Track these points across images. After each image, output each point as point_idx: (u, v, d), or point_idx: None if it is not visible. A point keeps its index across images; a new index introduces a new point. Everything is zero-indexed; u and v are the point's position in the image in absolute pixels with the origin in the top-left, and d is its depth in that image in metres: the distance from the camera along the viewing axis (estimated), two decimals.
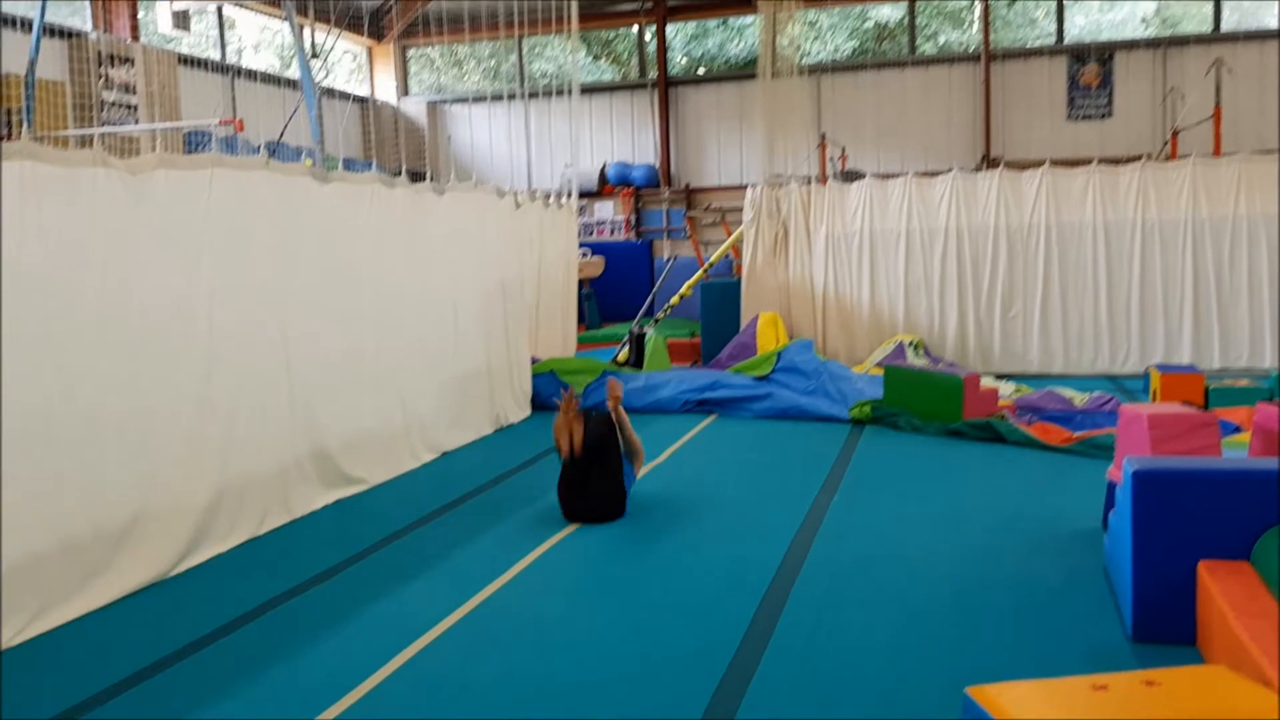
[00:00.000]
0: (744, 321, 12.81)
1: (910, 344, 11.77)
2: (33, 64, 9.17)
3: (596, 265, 17.27)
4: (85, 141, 10.99)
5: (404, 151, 19.68)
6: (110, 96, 12.97)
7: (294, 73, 14.13)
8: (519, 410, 9.88)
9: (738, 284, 13.42)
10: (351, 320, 7.24)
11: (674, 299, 13.59)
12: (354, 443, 7.19)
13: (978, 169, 16.02)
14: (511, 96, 19.51)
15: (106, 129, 11.89)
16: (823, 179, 14.07)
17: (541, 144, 19.50)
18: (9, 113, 11.30)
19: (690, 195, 19.62)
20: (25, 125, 9.56)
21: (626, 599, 5.01)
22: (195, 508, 5.68)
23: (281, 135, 12.09)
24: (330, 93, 18.60)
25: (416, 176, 8.45)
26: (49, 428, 4.81)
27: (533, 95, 19.41)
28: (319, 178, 6.94)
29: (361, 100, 20.07)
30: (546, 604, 5.00)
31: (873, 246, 12.77)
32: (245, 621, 4.83)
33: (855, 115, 18.35)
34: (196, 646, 4.54)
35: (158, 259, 5.48)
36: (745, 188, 13.73)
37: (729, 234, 15.03)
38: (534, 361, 10.48)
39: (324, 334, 6.93)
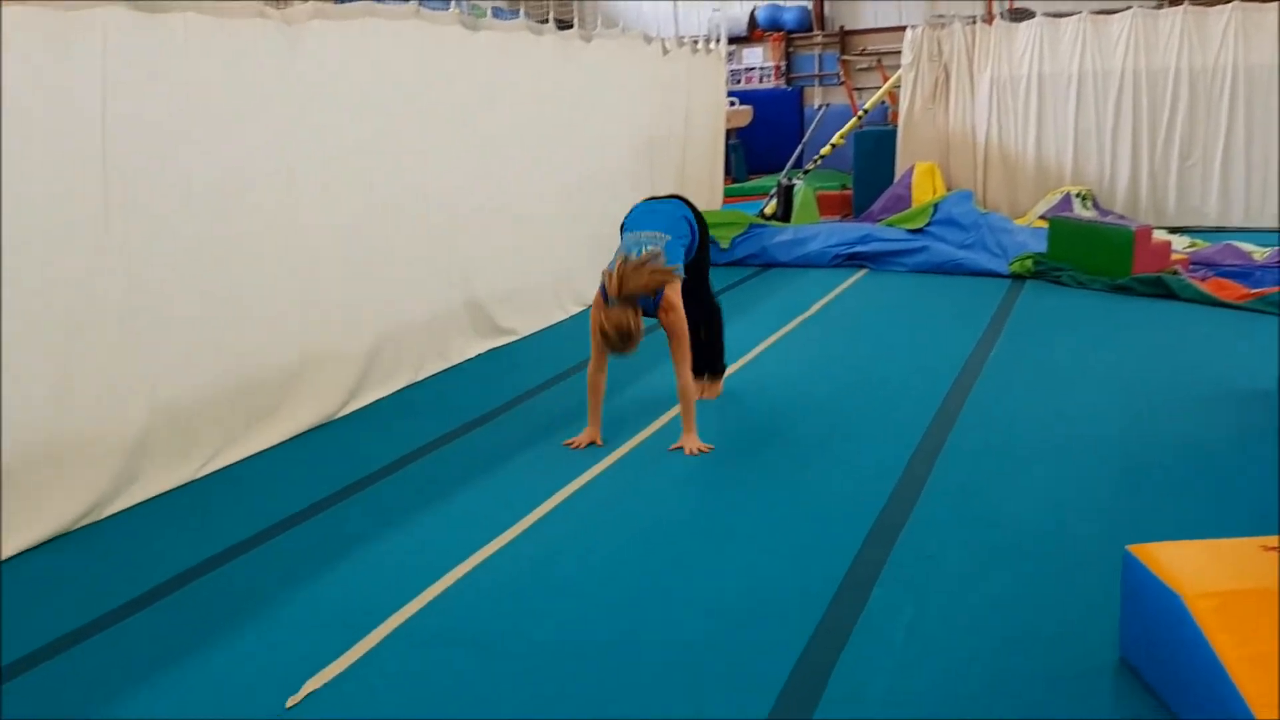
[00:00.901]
0: (899, 172, 12.37)
1: (1078, 195, 11.19)
2: None
3: (744, 115, 16.83)
4: None
5: None
6: None
7: None
8: None
9: (893, 132, 12.91)
10: (501, 171, 7.28)
11: (825, 149, 13.18)
12: (505, 294, 7.33)
13: (1159, 6, 14.81)
14: None
15: None
16: (989, 18, 13.26)
17: None
18: None
19: (845, 39, 18.82)
20: None
21: (774, 448, 5.03)
22: (359, 354, 5.92)
23: None
24: None
25: (563, 24, 8.32)
26: (220, 276, 5.03)
27: None
28: (469, 26, 6.90)
29: None
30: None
31: (1041, 91, 12.04)
32: (414, 459, 5.06)
33: None
34: (370, 480, 4.78)
35: (314, 109, 5.57)
36: (904, 29, 13.06)
37: (885, 79, 14.41)
38: None
39: (474, 184, 6.99)
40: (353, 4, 5.95)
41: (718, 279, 9.39)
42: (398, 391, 6.20)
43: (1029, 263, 8.86)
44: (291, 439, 5.37)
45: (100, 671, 3.23)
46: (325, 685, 3.09)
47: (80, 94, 4.29)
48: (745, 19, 19.03)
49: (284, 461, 5.11)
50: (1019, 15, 13.45)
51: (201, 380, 4.94)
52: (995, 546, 3.88)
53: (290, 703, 3.00)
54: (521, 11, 8.08)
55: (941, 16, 13.23)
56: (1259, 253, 8.84)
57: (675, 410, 5.56)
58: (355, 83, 5.88)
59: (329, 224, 5.71)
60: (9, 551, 4.02)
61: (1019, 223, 10.56)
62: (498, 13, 16.16)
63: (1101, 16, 11.85)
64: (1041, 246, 9.09)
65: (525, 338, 7.45)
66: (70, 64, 4.24)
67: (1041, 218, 10.59)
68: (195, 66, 4.83)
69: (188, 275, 4.84)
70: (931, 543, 3.93)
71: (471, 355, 6.91)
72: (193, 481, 4.82)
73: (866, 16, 18.79)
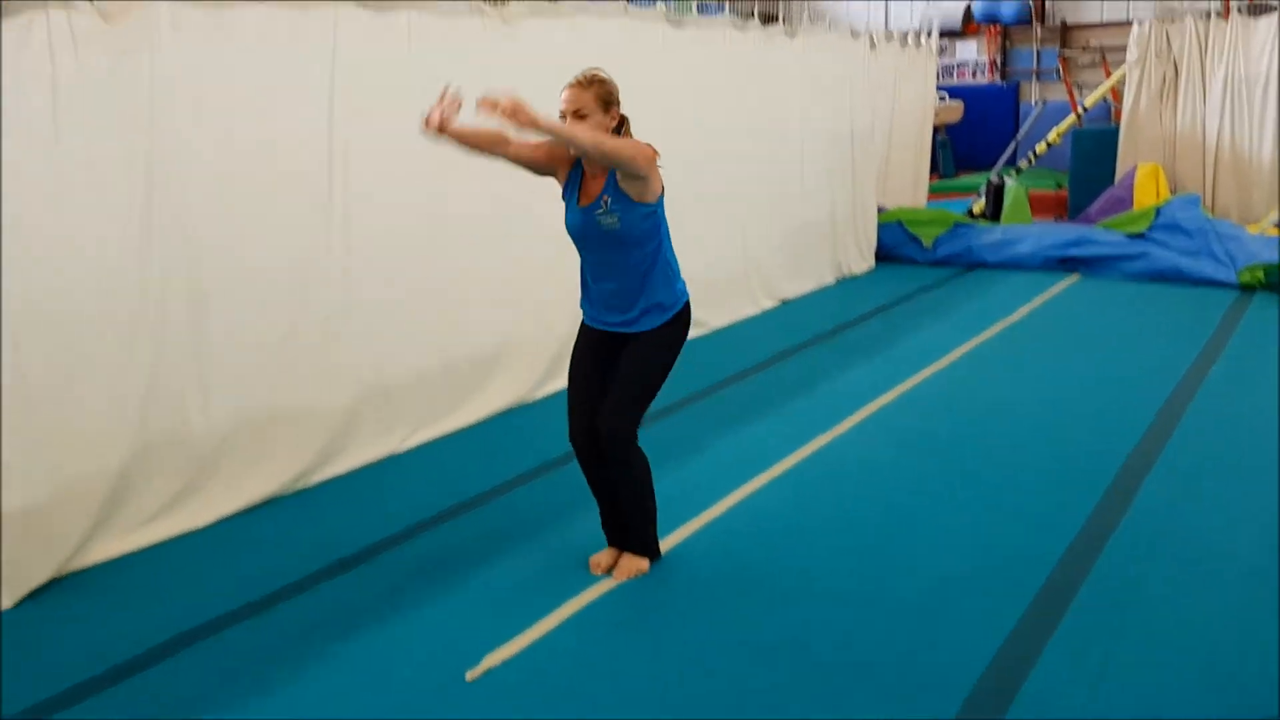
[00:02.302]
0: (1120, 173, 11.74)
1: None
2: None
3: (954, 110, 16.33)
4: None
5: None
6: None
7: None
8: (862, 261, 9.69)
9: (1115, 131, 12.26)
10: (701, 164, 7.31)
11: (1040, 146, 12.65)
12: (696, 286, 7.33)
13: None
14: None
15: None
16: (1224, 12, 12.39)
17: None
18: None
19: (1066, 33, 17.99)
20: None
21: (969, 454, 4.87)
22: (552, 341, 6.06)
23: None
24: None
25: (768, 19, 8.29)
26: (429, 265, 5.26)
27: None
28: (674, 23, 6.97)
29: None
30: (880, 455, 4.97)
31: None
32: None
33: None
34: (558, 463, 4.86)
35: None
36: (1131, 24, 12.38)
37: (1108, 75, 13.69)
38: (881, 211, 10.18)
39: (674, 177, 7.03)
40: (565, 3, 6.09)
41: (916, 278, 9.21)
42: None
43: (1259, 273, 8.25)
44: (487, 419, 5.56)
45: (298, 630, 3.44)
46: (504, 662, 3.18)
47: (310, 88, 4.57)
48: (960, 11, 18.44)
49: (479, 440, 5.30)
50: (1258, 9, 12.51)
51: (408, 360, 5.18)
52: (1202, 573, 3.64)
53: (470, 676, 3.11)
54: (727, 8, 8.07)
55: (1173, 9, 12.45)
56: None
57: (888, 397, 5.46)
58: (564, 78, 6.01)
59: (529, 219, 5.85)
60: (226, 511, 4.34)
61: (1250, 230, 9.84)
62: (703, 9, 16.27)
63: None
64: (1274, 257, 8.44)
65: (715, 330, 7.46)
66: (303, 59, 4.52)
67: (1276, 225, 9.85)
68: (417, 61, 5.05)
69: (399, 263, 5.09)
70: (1134, 565, 3.72)
71: None
72: (395, 455, 5.06)
73: (1090, 10, 17.91)
